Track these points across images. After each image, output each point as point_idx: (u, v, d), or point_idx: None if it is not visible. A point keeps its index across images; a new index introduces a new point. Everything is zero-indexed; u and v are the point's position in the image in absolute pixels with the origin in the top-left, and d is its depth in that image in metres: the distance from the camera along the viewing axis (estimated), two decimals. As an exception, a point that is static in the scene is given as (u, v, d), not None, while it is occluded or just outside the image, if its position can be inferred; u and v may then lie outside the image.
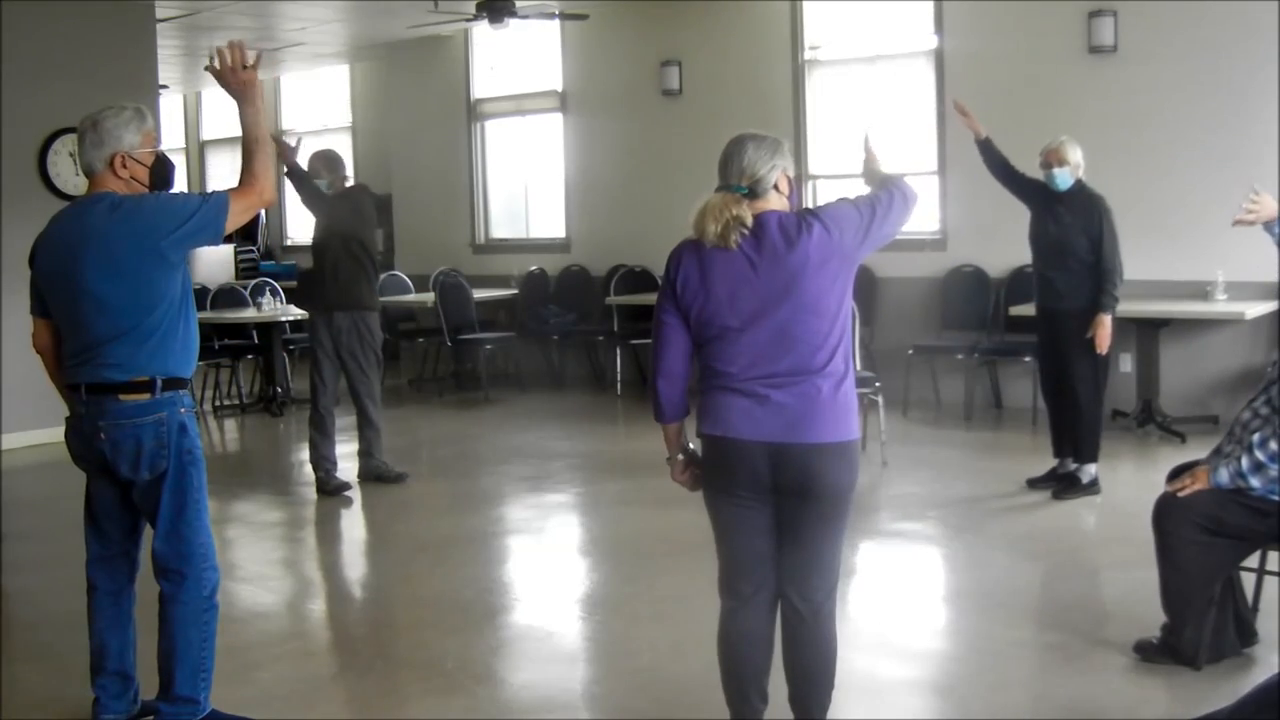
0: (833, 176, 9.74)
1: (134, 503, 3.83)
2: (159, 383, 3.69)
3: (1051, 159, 6.38)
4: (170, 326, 3.70)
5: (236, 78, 3.74)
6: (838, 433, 3.26)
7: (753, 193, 3.27)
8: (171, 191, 3.81)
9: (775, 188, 3.31)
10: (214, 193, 3.72)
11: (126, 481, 3.76)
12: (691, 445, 3.46)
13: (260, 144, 3.75)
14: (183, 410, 3.75)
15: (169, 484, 3.73)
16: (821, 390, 3.23)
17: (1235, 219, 4.24)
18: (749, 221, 3.23)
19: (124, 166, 3.72)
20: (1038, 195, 6.53)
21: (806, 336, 3.23)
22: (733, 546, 3.40)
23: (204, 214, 3.65)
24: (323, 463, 7.29)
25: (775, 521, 3.35)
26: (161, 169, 3.82)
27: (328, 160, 7.31)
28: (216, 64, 3.75)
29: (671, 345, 3.34)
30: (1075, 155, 6.38)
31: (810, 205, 3.51)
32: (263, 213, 15.30)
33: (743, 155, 3.29)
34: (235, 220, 3.70)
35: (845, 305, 3.30)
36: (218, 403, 10.61)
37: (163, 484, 3.72)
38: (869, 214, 3.30)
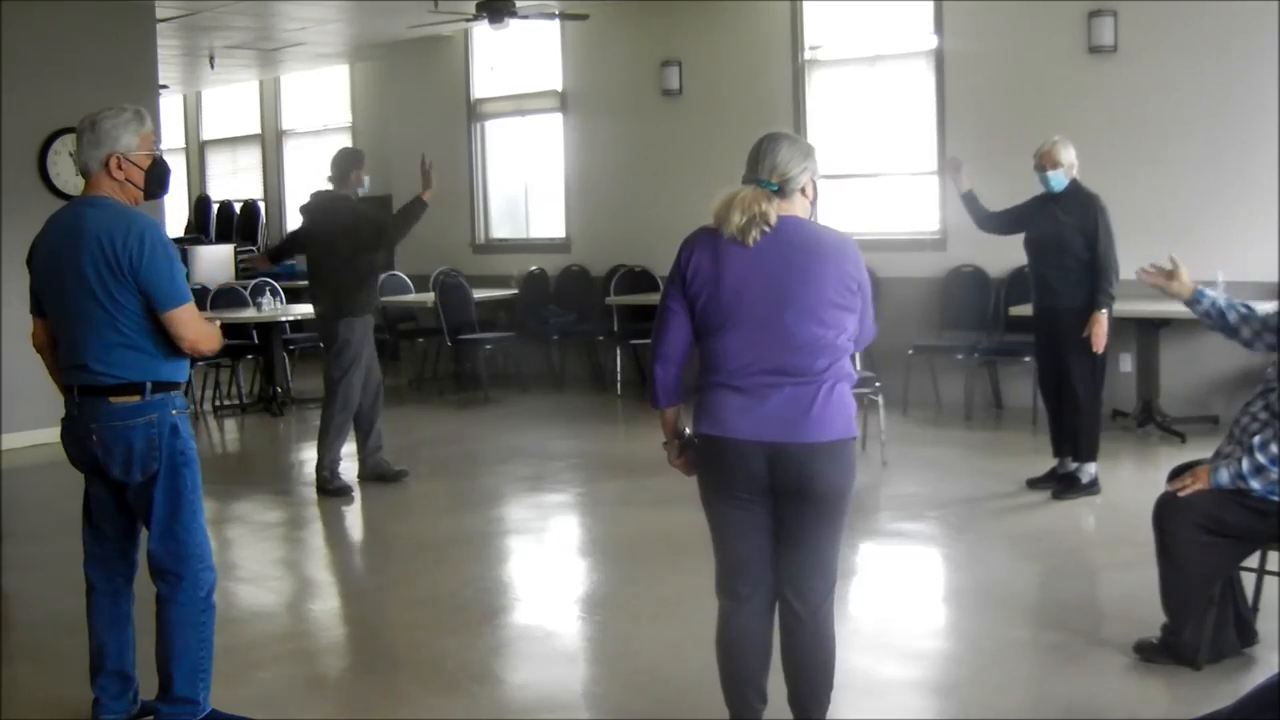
0: (833, 176, 9.73)
1: (128, 504, 3.83)
2: (148, 385, 3.69)
3: (1045, 162, 6.41)
4: (160, 331, 3.69)
5: None
6: (835, 431, 3.26)
7: (781, 191, 3.29)
8: (171, 253, 3.70)
9: (802, 191, 3.34)
10: (189, 294, 3.72)
11: (120, 483, 3.76)
12: (688, 431, 3.47)
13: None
14: (174, 412, 3.74)
15: (161, 485, 3.72)
16: (819, 391, 3.24)
17: (1140, 274, 4.50)
18: (773, 220, 3.24)
19: (119, 168, 3.72)
20: (1032, 209, 6.57)
21: (810, 341, 3.24)
22: (730, 547, 3.40)
23: (173, 285, 3.64)
24: (332, 464, 7.29)
25: (772, 521, 3.35)
26: (157, 172, 3.81)
27: (342, 161, 7.37)
28: None
29: (673, 331, 3.35)
30: (1068, 156, 6.40)
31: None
32: (263, 213, 15.37)
33: (777, 152, 3.31)
34: (178, 322, 3.66)
35: (852, 322, 3.31)
36: (218, 403, 10.60)
37: (154, 485, 3.72)
38: (865, 307, 3.38)
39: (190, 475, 3.78)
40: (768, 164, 3.30)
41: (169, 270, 3.66)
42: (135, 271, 3.61)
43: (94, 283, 3.62)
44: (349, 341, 7.17)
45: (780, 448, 3.24)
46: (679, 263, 3.33)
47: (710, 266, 3.27)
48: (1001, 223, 6.78)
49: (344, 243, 7.12)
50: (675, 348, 3.36)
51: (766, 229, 3.23)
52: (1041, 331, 6.71)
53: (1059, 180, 6.40)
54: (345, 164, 7.35)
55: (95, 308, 3.64)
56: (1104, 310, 6.33)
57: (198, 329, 3.73)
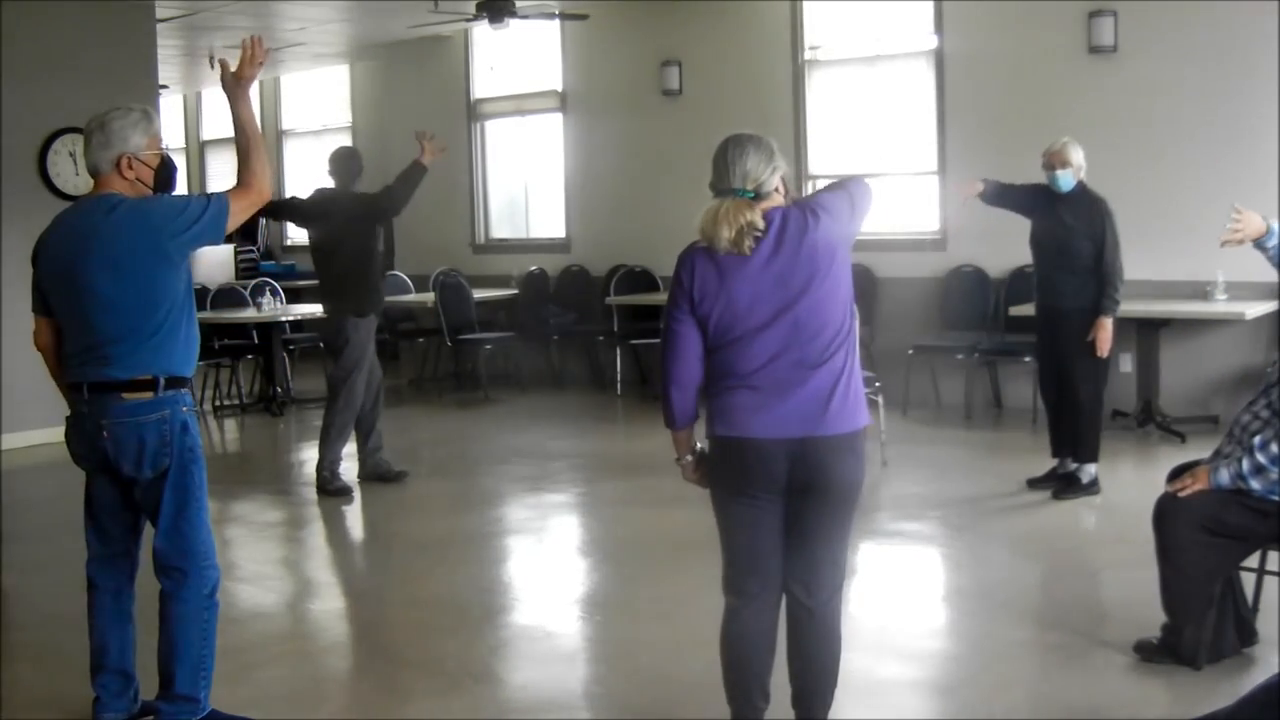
0: (832, 176, 9.73)
1: (135, 501, 3.84)
2: (161, 381, 3.71)
3: (1054, 161, 6.39)
4: (173, 326, 3.72)
5: (251, 72, 3.78)
6: (854, 422, 3.30)
7: (756, 196, 3.30)
8: (176, 194, 3.83)
9: (775, 190, 3.35)
10: (215, 195, 3.76)
11: (128, 480, 3.77)
12: (699, 445, 3.47)
13: (257, 141, 3.81)
14: (185, 409, 3.77)
15: (170, 482, 3.74)
16: (835, 383, 3.27)
17: (1222, 239, 4.18)
18: (761, 225, 3.25)
19: (130, 168, 3.75)
20: (1038, 200, 6.53)
21: (820, 328, 3.26)
22: (741, 545, 3.41)
23: (208, 217, 3.71)
24: (332, 464, 7.29)
25: (784, 519, 3.36)
26: (165, 171, 3.84)
27: (339, 159, 7.38)
28: (231, 61, 3.81)
29: (686, 353, 3.34)
30: (1077, 157, 6.40)
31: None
32: (262, 213, 15.34)
33: (745, 160, 3.30)
34: (235, 221, 3.77)
35: (851, 292, 3.34)
36: (218, 403, 10.59)
37: (164, 482, 3.74)
38: (847, 196, 3.38)
39: (198, 473, 3.80)
40: (739, 172, 3.29)
41: (197, 208, 3.69)
42: (189, 239, 3.69)
43: (107, 280, 3.63)
44: (352, 342, 7.17)
45: (802, 443, 3.25)
46: (681, 284, 3.32)
47: (716, 283, 3.27)
48: (1007, 198, 6.67)
49: (348, 235, 7.15)
50: (689, 371, 3.36)
51: (758, 234, 3.24)
52: (1044, 332, 6.70)
53: (1067, 180, 6.39)
54: (345, 161, 7.34)
55: (108, 305, 3.65)
56: (1109, 316, 6.33)
57: (255, 194, 3.76)
